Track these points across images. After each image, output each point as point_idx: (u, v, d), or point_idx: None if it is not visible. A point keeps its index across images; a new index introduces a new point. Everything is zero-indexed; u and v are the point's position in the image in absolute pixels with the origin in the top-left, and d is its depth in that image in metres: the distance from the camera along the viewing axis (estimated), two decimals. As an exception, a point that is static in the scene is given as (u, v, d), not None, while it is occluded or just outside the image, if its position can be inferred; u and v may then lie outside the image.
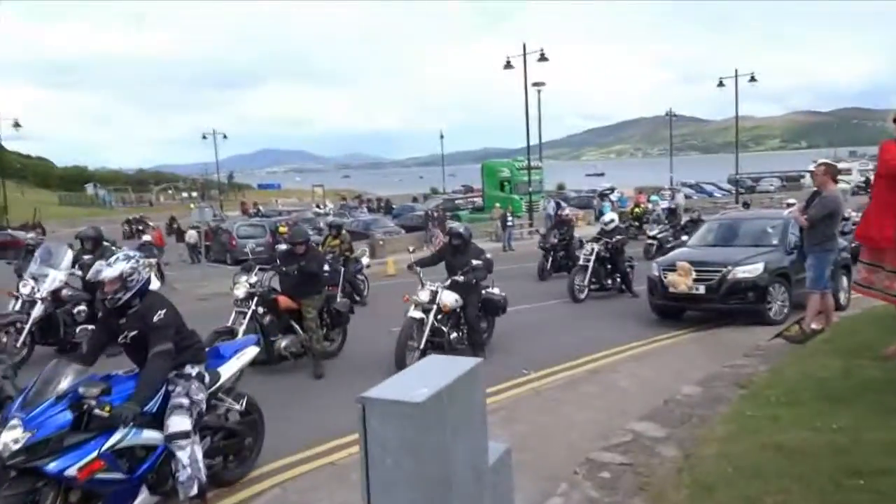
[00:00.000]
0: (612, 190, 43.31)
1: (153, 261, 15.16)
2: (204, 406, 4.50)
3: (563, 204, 37.33)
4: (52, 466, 3.67)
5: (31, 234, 18.84)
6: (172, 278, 19.96)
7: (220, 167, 62.05)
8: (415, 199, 56.98)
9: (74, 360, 4.43)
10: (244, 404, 5.05)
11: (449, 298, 8.17)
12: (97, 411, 3.79)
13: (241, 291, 8.15)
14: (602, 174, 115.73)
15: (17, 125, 39.88)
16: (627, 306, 11.94)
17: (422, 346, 7.77)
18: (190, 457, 4.17)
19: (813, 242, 7.45)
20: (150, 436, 4.17)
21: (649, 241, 19.36)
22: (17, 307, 9.06)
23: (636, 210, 27.06)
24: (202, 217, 21.20)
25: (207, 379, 4.64)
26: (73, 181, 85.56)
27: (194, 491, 4.20)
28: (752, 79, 37.33)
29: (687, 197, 41.92)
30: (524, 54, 29.50)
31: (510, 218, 25.73)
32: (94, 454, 3.81)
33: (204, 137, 53.43)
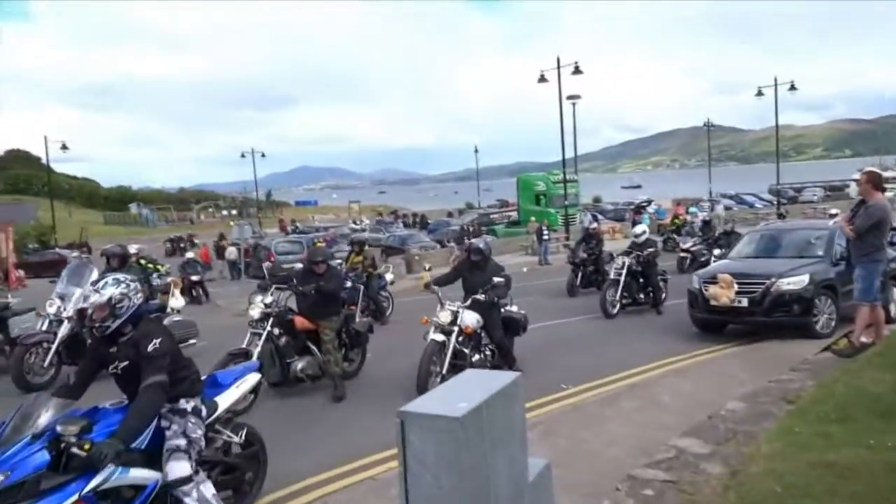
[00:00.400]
0: (650, 202, 42.89)
1: (171, 279, 15.38)
2: (203, 443, 4.17)
3: (601, 217, 37.16)
4: None
5: (74, 253, 19.18)
6: (215, 295, 20.35)
7: (259, 185, 63.04)
8: (450, 214, 57.16)
9: (60, 392, 4.12)
10: (243, 436, 4.68)
11: (471, 319, 7.75)
12: (76, 450, 3.46)
13: (256, 312, 7.85)
14: (639, 186, 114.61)
15: (64, 147, 41.08)
16: (666, 320, 11.73)
17: (444, 370, 7.33)
18: (199, 499, 3.93)
19: (861, 253, 7.23)
20: (139, 475, 3.82)
21: (682, 255, 19.00)
22: (45, 327, 8.99)
23: (675, 221, 26.70)
24: (242, 234, 21.58)
25: (205, 412, 4.29)
26: (117, 201, 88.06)
27: None
28: (792, 87, 36.55)
29: (727, 208, 41.23)
30: (558, 67, 29.44)
31: (546, 231, 25.59)
32: (75, 497, 3.47)
33: (242, 156, 54.39)
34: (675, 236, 24.71)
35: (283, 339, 7.81)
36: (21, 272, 27.02)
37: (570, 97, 32.22)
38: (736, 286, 9.52)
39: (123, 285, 4.07)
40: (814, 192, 53.44)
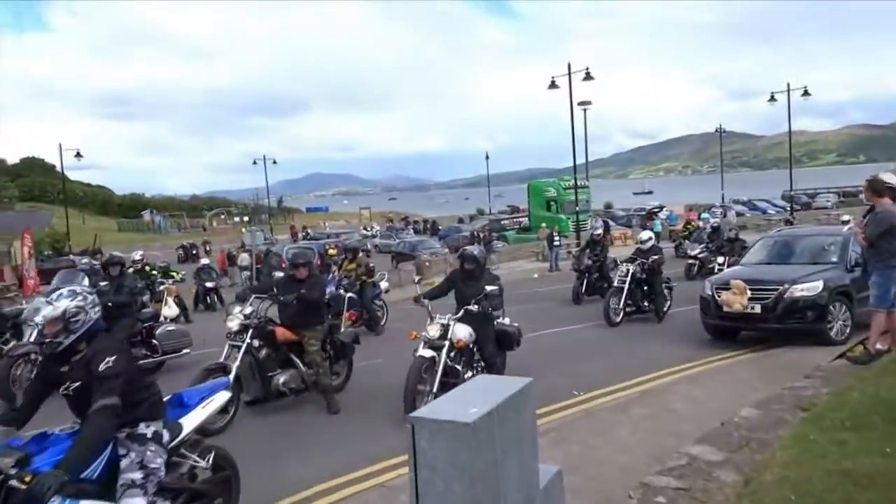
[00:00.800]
0: (661, 208, 42.73)
1: (171, 286, 14.97)
2: (163, 472, 3.78)
3: (612, 223, 37.05)
4: None
5: (84, 259, 19.03)
6: (230, 300, 20.47)
7: (270, 192, 63.39)
8: (461, 220, 57.20)
9: (4, 419, 3.75)
10: (211, 459, 4.26)
11: (462, 332, 7.18)
12: (15, 483, 3.18)
13: (234, 323, 7.41)
14: (651, 192, 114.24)
15: (78, 155, 41.47)
16: (677, 327, 11.64)
17: (434, 388, 6.78)
18: None
19: (875, 259, 7.16)
20: None
21: (690, 261, 18.81)
22: (32, 337, 8.45)
23: (688, 227, 26.58)
24: (253, 240, 21.70)
25: (167, 437, 3.91)
26: (131, 208, 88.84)
27: None
28: (806, 93, 36.36)
29: (739, 214, 41.00)
30: (569, 74, 29.43)
31: (557, 238, 25.55)
32: None
33: (254, 163, 54.75)
34: (687, 242, 24.59)
35: (263, 352, 7.37)
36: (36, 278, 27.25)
37: (580, 103, 32.22)
38: (749, 292, 9.45)
39: (80, 298, 3.74)
40: (827, 199, 53.02)
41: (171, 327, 10.61)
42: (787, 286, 9.30)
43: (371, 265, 14.19)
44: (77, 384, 3.63)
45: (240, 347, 7.22)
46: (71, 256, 36.41)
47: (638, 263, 12.68)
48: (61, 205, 52.86)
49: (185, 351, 10.25)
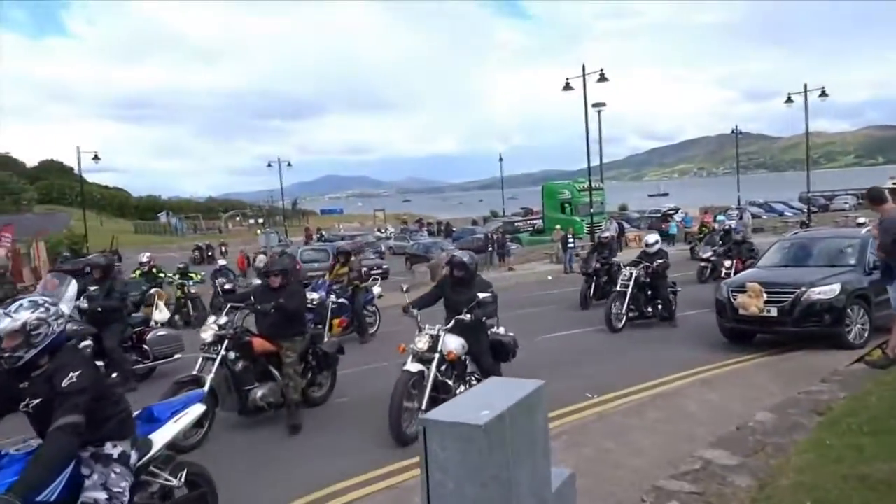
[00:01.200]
0: (676, 210, 42.46)
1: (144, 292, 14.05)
2: (127, 497, 3.56)
3: (627, 225, 36.88)
4: None
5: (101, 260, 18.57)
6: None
7: (285, 194, 63.72)
8: (474, 222, 57.18)
9: None
10: (184, 477, 4.02)
11: (454, 344, 6.72)
12: None
13: (207, 334, 7.01)
14: (666, 194, 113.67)
15: (96, 158, 41.91)
16: (691, 330, 11.55)
17: (423, 405, 6.35)
18: None
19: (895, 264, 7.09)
20: None
21: (702, 264, 18.53)
22: None
23: (703, 230, 26.39)
24: (268, 242, 21.84)
25: (134, 457, 3.68)
26: (147, 210, 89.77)
27: None
28: (823, 93, 35.98)
29: (755, 216, 40.66)
30: (584, 75, 29.35)
31: (571, 240, 25.47)
32: None
33: (269, 165, 55.06)
34: (699, 245, 24.40)
35: (239, 364, 6.98)
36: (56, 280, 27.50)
37: (595, 105, 32.11)
38: (765, 295, 9.36)
39: (42, 309, 3.48)
40: (845, 200, 52.45)
41: (163, 332, 10.35)
42: (804, 289, 9.20)
43: (364, 269, 13.57)
44: (38, 401, 3.40)
45: (214, 359, 6.85)
46: (89, 258, 36.80)
47: (642, 267, 12.39)
48: (79, 207, 53.48)
49: (176, 356, 10.00)
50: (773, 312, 9.33)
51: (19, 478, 3.14)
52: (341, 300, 12.12)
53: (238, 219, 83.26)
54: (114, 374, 8.87)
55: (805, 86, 35.94)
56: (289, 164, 55.71)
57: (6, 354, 3.38)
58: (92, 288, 9.04)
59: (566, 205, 36.24)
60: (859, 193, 55.23)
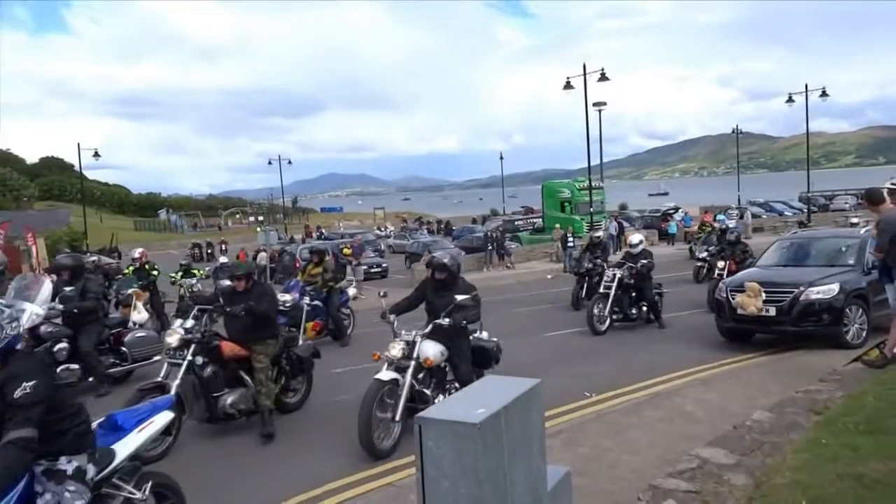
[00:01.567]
0: (676, 209, 42.44)
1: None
2: None
3: (626, 224, 36.87)
4: None
5: (93, 258, 17.29)
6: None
7: (285, 192, 63.76)
8: (474, 221, 57.18)
9: None
10: (149, 489, 3.80)
11: (431, 350, 6.37)
12: None
13: (173, 339, 6.70)
14: (666, 193, 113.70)
15: (96, 155, 41.92)
16: (689, 329, 11.57)
17: (398, 416, 6.03)
18: None
19: (893, 264, 7.11)
20: None
21: (699, 264, 18.37)
22: None
23: (703, 229, 26.38)
24: (267, 240, 21.82)
25: (93, 471, 3.45)
26: (147, 207, 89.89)
27: None
28: (824, 94, 35.99)
29: (754, 216, 40.63)
30: (584, 74, 29.33)
31: (571, 238, 25.47)
32: None
33: (269, 163, 55.14)
34: (695, 245, 24.37)
35: (208, 370, 6.65)
36: (53, 276, 27.55)
37: (595, 104, 32.08)
38: (764, 295, 9.37)
39: None
40: (846, 200, 52.40)
41: (141, 333, 9.99)
42: (802, 289, 9.21)
43: (337, 270, 12.88)
44: None
45: (180, 365, 6.55)
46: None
47: (626, 268, 12.06)
48: (79, 204, 53.49)
49: (156, 358, 9.56)
50: (772, 312, 9.34)
51: None
52: (315, 302, 11.49)
53: (238, 216, 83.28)
54: (89, 378, 8.68)
55: (806, 86, 36.01)
56: (289, 162, 55.80)
57: None
58: (67, 289, 8.70)
59: (566, 204, 36.19)
60: (859, 194, 55.25)
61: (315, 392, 7.93)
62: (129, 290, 12.63)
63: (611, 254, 28.20)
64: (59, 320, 8.56)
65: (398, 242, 41.61)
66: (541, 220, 39.05)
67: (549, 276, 23.07)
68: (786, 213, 46.89)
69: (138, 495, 3.73)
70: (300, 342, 8.21)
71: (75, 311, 8.62)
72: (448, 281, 6.79)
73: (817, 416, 5.49)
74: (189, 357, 6.56)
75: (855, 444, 4.47)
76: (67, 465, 3.31)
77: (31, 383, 3.09)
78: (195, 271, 17.96)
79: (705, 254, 18.04)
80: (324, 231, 51.39)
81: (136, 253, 14.82)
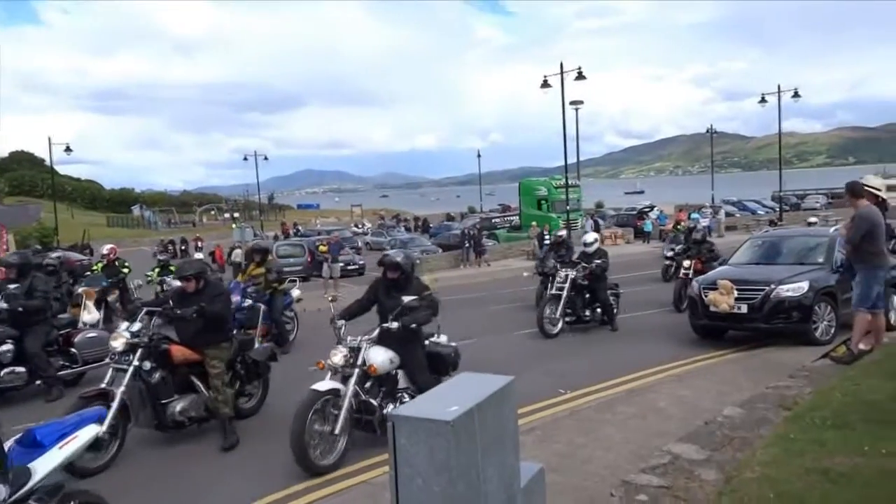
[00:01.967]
0: (652, 208, 42.87)
1: None
2: None
3: (602, 222, 37.17)
4: None
5: (57, 254, 16.63)
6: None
7: (261, 188, 63.19)
8: (451, 218, 57.20)
9: None
10: None
11: (378, 357, 5.99)
12: None
13: (118, 343, 6.28)
14: (642, 192, 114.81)
15: (68, 150, 41.23)
16: (665, 326, 11.71)
17: (338, 429, 5.62)
18: None
19: (859, 261, 7.26)
20: None
21: (667, 263, 18.01)
22: None
23: (678, 228, 26.69)
24: (243, 237, 21.64)
25: (4, 492, 3.24)
26: (120, 203, 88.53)
27: None
28: (796, 94, 36.59)
29: (728, 215, 41.21)
30: (561, 73, 29.48)
31: (548, 236, 25.61)
32: None
33: (245, 159, 54.57)
34: (664, 243, 24.44)
35: (156, 375, 6.30)
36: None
37: (572, 103, 32.30)
38: (736, 292, 9.52)
39: None
40: (817, 200, 53.37)
41: (92, 334, 9.48)
42: (773, 286, 9.37)
43: (281, 270, 12.14)
44: None
45: (126, 370, 6.17)
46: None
47: (579, 268, 11.64)
48: (50, 199, 52.57)
49: (107, 360, 9.39)
50: (744, 309, 9.49)
51: None
52: (258, 305, 10.58)
53: (213, 213, 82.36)
54: (36, 381, 8.34)
55: (779, 87, 36.53)
56: (265, 158, 55.30)
57: None
58: (12, 287, 8.36)
59: (543, 202, 36.37)
60: (830, 193, 56.31)
61: (273, 395, 7.59)
62: (80, 290, 12.01)
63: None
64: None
65: (375, 240, 41.52)
66: (518, 217, 39.21)
67: (526, 274, 23.10)
68: (758, 211, 47.62)
69: None
70: (257, 345, 7.80)
71: (20, 309, 8.21)
72: (401, 281, 6.38)
73: (786, 411, 5.59)
74: (135, 362, 6.18)
75: (822, 439, 4.56)
76: None
77: None
78: (172, 267, 17.45)
79: (671, 252, 17.86)
80: (300, 228, 51.04)
81: (105, 249, 14.37)
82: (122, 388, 6.05)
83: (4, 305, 8.22)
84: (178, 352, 6.55)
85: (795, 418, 5.29)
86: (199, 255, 22.42)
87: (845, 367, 6.95)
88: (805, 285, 9.29)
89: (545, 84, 30.02)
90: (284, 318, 11.38)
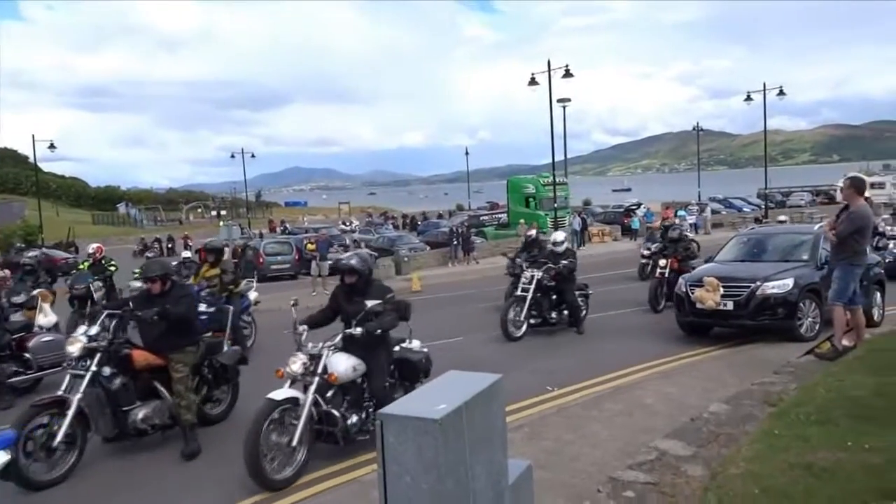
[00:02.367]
0: (639, 205, 43.07)
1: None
2: None
3: (589, 219, 37.28)
4: None
5: (33, 253, 16.21)
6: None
7: (249, 185, 62.88)
8: (440, 216, 57.21)
9: None
10: None
11: (340, 365, 5.69)
12: None
13: (74, 348, 5.95)
14: (629, 189, 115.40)
15: (52, 147, 40.87)
16: (652, 323, 11.79)
17: (295, 441, 5.33)
18: None
19: (840, 257, 7.33)
20: None
21: (643, 261, 17.70)
22: None
23: (664, 225, 26.82)
24: (230, 235, 21.52)
25: None
26: (105, 200, 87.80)
27: None
28: (781, 92, 36.88)
29: (714, 212, 41.48)
30: (549, 71, 29.55)
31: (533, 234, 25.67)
32: None
33: (232, 157, 54.30)
34: (640, 240, 24.42)
35: (117, 381, 6.02)
36: (7, 272, 26.74)
37: (560, 100, 32.35)
38: (721, 289, 9.60)
39: None
40: (801, 197, 53.91)
41: (48, 338, 9.07)
42: (758, 283, 9.46)
43: (237, 271, 11.30)
44: None
45: (83, 376, 5.87)
46: (44, 249, 35.92)
47: (545, 269, 11.20)
48: (34, 197, 52.05)
49: (65, 365, 9.08)
50: (730, 306, 9.58)
51: None
52: (226, 306, 9.94)
53: (200, 210, 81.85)
54: None
55: (764, 85, 36.88)
56: (252, 156, 55.04)
57: None
58: None
59: (531, 199, 36.43)
60: (815, 190, 56.86)
61: (244, 400, 7.20)
62: (35, 292, 11.36)
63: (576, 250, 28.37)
64: None
65: (363, 237, 41.42)
66: (506, 215, 39.26)
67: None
68: (744, 209, 47.99)
69: None
70: (225, 348, 7.47)
71: None
72: (359, 285, 6.14)
73: (771, 407, 5.65)
74: (93, 367, 5.89)
75: (806, 435, 4.61)
76: None
77: None
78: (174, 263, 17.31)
79: (648, 251, 17.48)
80: (288, 225, 50.87)
81: (92, 248, 14.19)
82: (78, 395, 5.75)
83: None
84: (141, 356, 6.26)
85: (780, 414, 5.34)
86: (186, 254, 22.37)
87: (829, 363, 7.03)
88: (790, 282, 9.39)
89: (533, 82, 30.08)
90: (242, 322, 10.73)
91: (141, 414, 6.14)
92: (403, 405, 2.68)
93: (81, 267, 14.29)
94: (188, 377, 6.37)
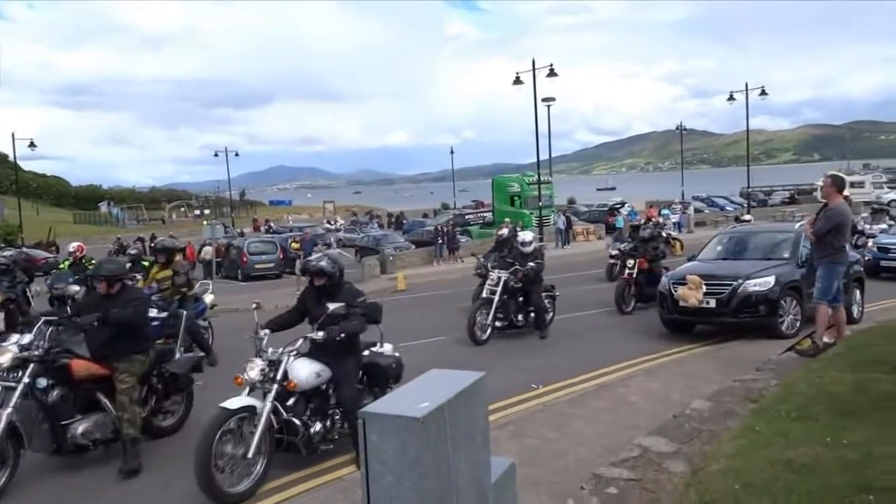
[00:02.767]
0: (623, 204, 43.32)
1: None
2: None
3: (574, 218, 37.42)
4: None
5: (8, 252, 15.68)
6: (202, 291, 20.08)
7: (233, 184, 62.53)
8: (425, 215, 57.20)
9: None
10: None
11: (302, 371, 5.40)
12: None
13: (4, 358, 5.46)
14: (613, 188, 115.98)
15: (32, 145, 40.39)
16: (637, 320, 11.86)
17: (251, 452, 4.98)
18: None
19: (822, 255, 7.41)
20: None
21: (611, 262, 17.06)
22: None
23: (632, 224, 26.96)
24: (213, 234, 21.38)
25: None
26: (87, 199, 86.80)
27: None
28: (763, 92, 37.26)
29: (697, 211, 41.79)
30: (533, 70, 29.64)
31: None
32: None
33: (216, 155, 53.94)
34: (609, 240, 24.13)
35: (54, 393, 5.55)
36: None
37: (544, 99, 32.46)
38: (704, 287, 9.68)
39: None
40: (783, 196, 54.44)
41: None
42: (740, 281, 9.56)
43: (190, 273, 10.70)
44: None
45: (15, 389, 5.39)
46: (24, 249, 35.46)
47: (512, 271, 10.82)
48: (14, 196, 51.40)
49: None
50: (712, 304, 9.66)
51: None
52: (180, 311, 9.21)
53: (183, 210, 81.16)
54: None
55: (746, 84, 37.14)
56: (236, 154, 54.74)
57: None
58: None
59: (515, 198, 36.49)
60: (796, 189, 57.45)
61: (201, 409, 6.56)
62: None
63: (559, 248, 28.52)
64: None
65: (348, 236, 41.31)
66: (491, 214, 39.30)
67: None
68: (727, 207, 48.39)
69: None
70: (178, 356, 7.02)
71: None
72: (329, 287, 5.80)
73: (753, 404, 5.71)
74: (25, 379, 5.41)
75: (786, 431, 4.66)
76: None
77: None
78: (145, 261, 16.95)
79: (617, 251, 16.71)
80: (272, 225, 50.60)
81: (72, 247, 13.88)
82: (8, 410, 5.25)
83: None
84: (81, 366, 5.75)
85: (761, 411, 5.40)
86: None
87: (810, 359, 7.10)
88: (771, 280, 9.49)
89: (517, 81, 30.16)
90: (198, 325, 10.04)
91: (81, 428, 5.67)
92: (386, 404, 2.68)
93: (62, 266, 14.08)
94: (133, 388, 5.91)
